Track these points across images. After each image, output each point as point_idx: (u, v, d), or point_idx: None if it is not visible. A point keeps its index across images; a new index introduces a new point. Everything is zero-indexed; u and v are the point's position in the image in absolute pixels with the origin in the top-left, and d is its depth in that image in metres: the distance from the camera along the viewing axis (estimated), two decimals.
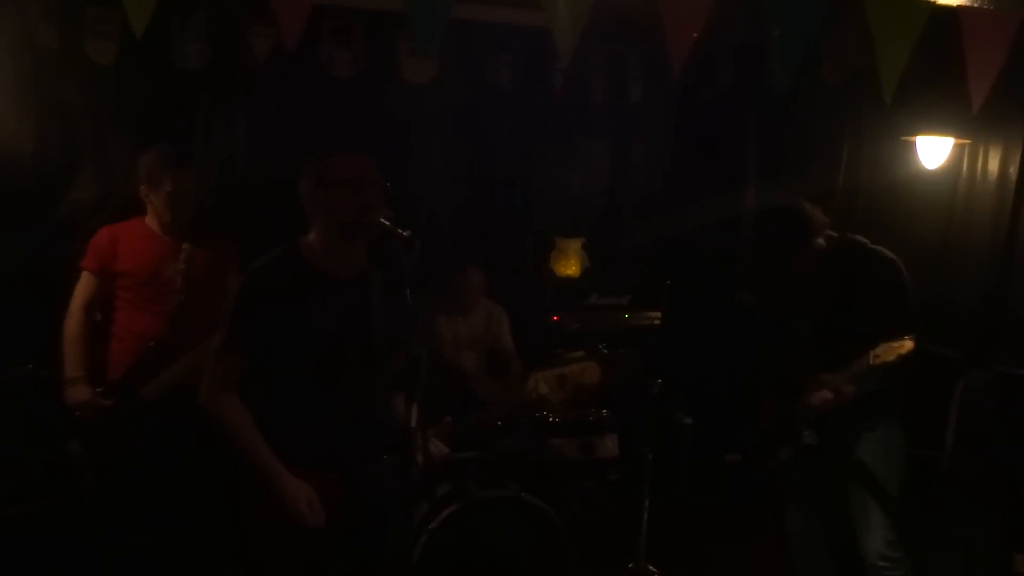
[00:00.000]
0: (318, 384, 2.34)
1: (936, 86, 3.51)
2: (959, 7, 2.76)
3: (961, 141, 3.95)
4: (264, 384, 2.34)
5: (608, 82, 4.72)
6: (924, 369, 2.69)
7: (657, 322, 4.46)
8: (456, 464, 3.34)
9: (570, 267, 4.58)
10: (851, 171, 4.35)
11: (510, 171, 4.67)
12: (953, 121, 3.78)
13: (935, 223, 4.12)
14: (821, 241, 2.92)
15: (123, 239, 3.20)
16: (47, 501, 3.28)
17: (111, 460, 3.10)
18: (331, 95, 4.15)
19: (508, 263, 4.36)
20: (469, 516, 3.11)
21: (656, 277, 4.56)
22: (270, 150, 3.95)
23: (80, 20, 3.72)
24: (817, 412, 2.90)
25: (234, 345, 2.30)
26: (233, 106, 4.05)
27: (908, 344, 2.63)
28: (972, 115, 2.92)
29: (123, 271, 3.18)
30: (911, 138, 3.97)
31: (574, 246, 4.61)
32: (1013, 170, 3.90)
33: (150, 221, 3.24)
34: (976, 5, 2.80)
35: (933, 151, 3.95)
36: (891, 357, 2.64)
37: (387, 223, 2.23)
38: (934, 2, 2.62)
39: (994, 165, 3.99)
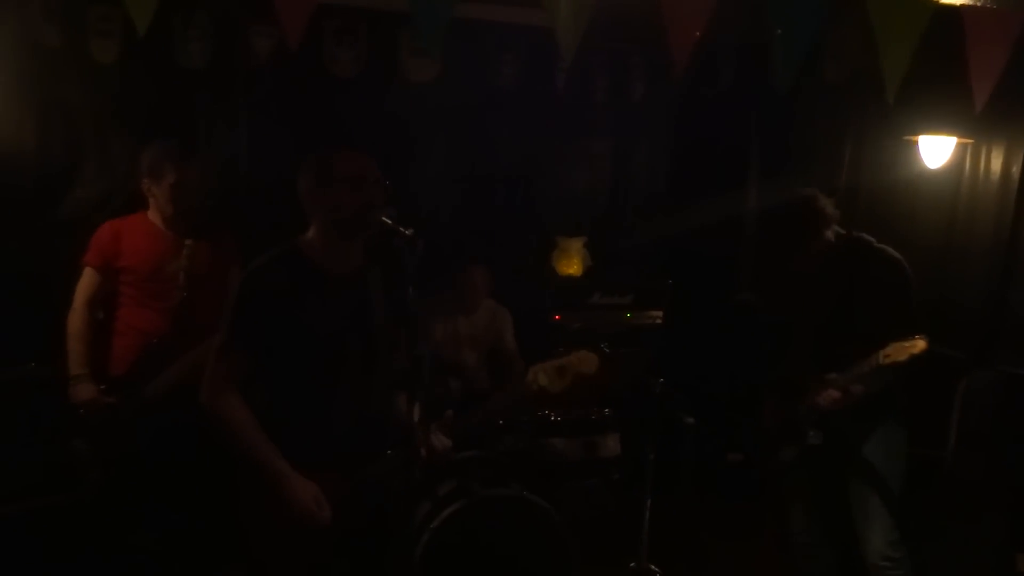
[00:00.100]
0: (318, 382, 2.34)
1: (939, 85, 3.51)
2: (962, 6, 2.76)
3: (964, 141, 3.94)
4: (265, 383, 2.34)
5: (610, 81, 4.72)
6: (926, 369, 2.68)
7: (659, 321, 4.46)
8: (458, 463, 3.34)
9: (572, 266, 4.59)
10: (853, 171, 4.35)
11: (512, 170, 4.67)
12: (956, 121, 3.78)
13: (937, 223, 4.12)
14: (830, 235, 2.91)
15: (126, 234, 3.21)
16: (51, 499, 3.29)
17: (115, 457, 3.11)
18: (333, 94, 4.15)
19: (510, 262, 4.36)
20: (471, 515, 3.12)
21: (658, 276, 4.56)
22: (272, 149, 3.96)
23: (82, 19, 3.72)
24: (823, 412, 2.89)
25: (235, 344, 2.30)
26: (235, 105, 4.06)
27: (920, 344, 2.61)
28: (975, 115, 2.91)
29: (126, 267, 3.18)
30: (914, 138, 3.97)
31: (576, 245, 4.61)
32: (1016, 170, 3.90)
33: (152, 216, 3.25)
34: (979, 4, 2.79)
35: (936, 151, 3.95)
36: (902, 357, 2.62)
37: (389, 222, 2.23)
38: (937, 1, 2.62)
39: (997, 165, 3.99)
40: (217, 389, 2.29)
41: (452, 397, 3.67)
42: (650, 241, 4.83)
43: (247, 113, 4.08)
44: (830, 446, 2.95)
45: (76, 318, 3.17)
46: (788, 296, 3.12)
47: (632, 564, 3.60)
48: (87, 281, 3.20)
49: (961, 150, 4.00)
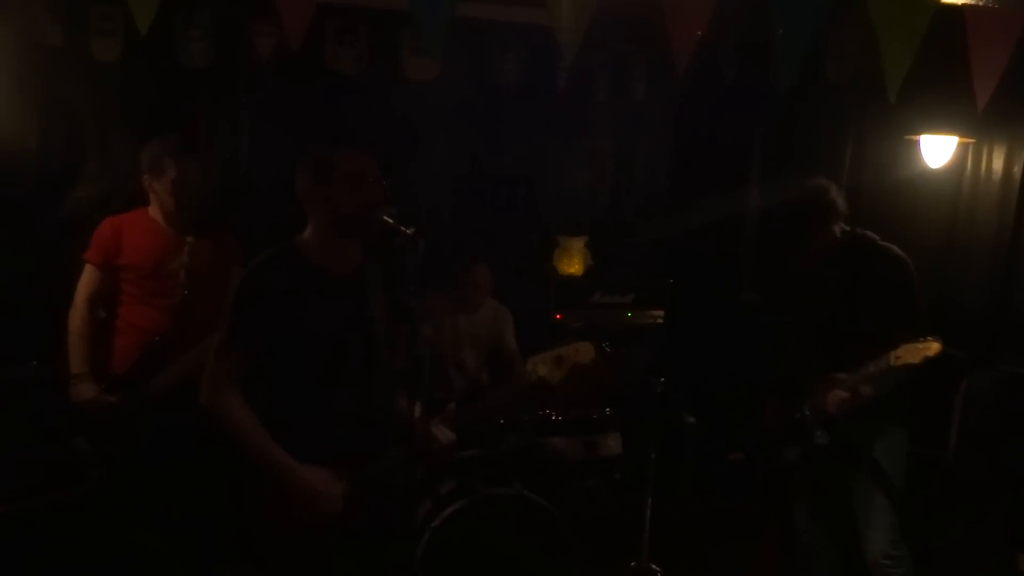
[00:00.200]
0: (318, 382, 2.33)
1: (940, 85, 3.51)
2: (964, 5, 2.76)
3: (965, 140, 3.94)
4: (264, 382, 2.34)
5: (611, 81, 4.72)
6: (928, 368, 2.67)
7: (660, 321, 4.46)
8: (459, 462, 3.34)
9: (573, 265, 4.59)
10: (855, 170, 4.34)
11: (513, 169, 4.67)
12: (957, 120, 3.78)
13: (939, 222, 4.12)
14: (837, 230, 2.89)
15: (127, 231, 3.20)
16: (53, 498, 3.29)
17: (116, 456, 3.11)
18: (334, 94, 4.16)
19: (511, 261, 4.37)
20: (472, 514, 3.12)
21: (659, 276, 4.56)
22: (273, 148, 3.96)
23: (84, 18, 3.73)
24: (830, 413, 2.87)
25: (234, 343, 2.30)
26: (236, 104, 4.06)
27: (935, 346, 2.58)
28: (976, 114, 2.91)
29: (127, 264, 3.18)
30: (915, 137, 3.97)
31: (577, 244, 4.61)
32: (1017, 169, 3.90)
33: (153, 212, 3.24)
34: (981, 4, 2.79)
35: (937, 150, 3.94)
36: (916, 359, 2.60)
37: (391, 221, 2.23)
38: (938, 1, 2.61)
39: (998, 164, 3.99)
40: (216, 389, 2.29)
41: (455, 393, 3.67)
42: (651, 240, 4.84)
43: (248, 112, 4.08)
44: (835, 446, 2.94)
45: (76, 316, 3.17)
46: (790, 295, 3.11)
47: (633, 563, 3.60)
48: (88, 278, 3.20)
49: (963, 150, 4.00)
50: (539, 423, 3.82)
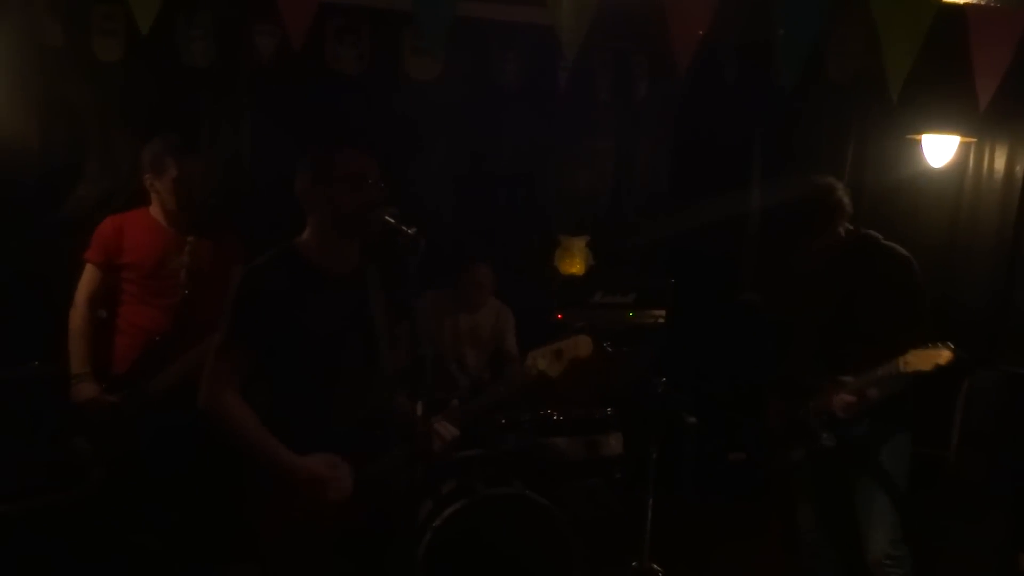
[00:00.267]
0: (318, 382, 2.33)
1: (942, 84, 3.50)
2: (966, 5, 2.75)
3: (967, 139, 3.94)
4: (264, 382, 2.34)
5: (613, 80, 4.72)
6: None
7: (661, 320, 4.46)
8: (461, 462, 3.34)
9: (574, 265, 4.59)
10: (857, 169, 4.34)
11: (514, 169, 4.67)
12: (959, 119, 3.78)
13: (941, 222, 4.11)
14: (841, 230, 2.88)
15: (128, 230, 3.19)
16: (53, 497, 3.29)
17: (117, 456, 3.11)
18: (336, 93, 4.16)
19: (512, 261, 4.36)
20: (473, 513, 3.12)
21: (660, 275, 4.56)
22: (275, 147, 3.96)
23: (86, 18, 3.73)
24: (835, 415, 2.86)
25: (234, 344, 2.30)
26: (238, 104, 4.06)
27: (946, 354, 2.57)
28: (978, 113, 2.91)
29: (128, 263, 3.17)
30: (917, 136, 3.97)
31: (578, 244, 4.61)
32: (1019, 169, 3.90)
33: (154, 211, 3.23)
34: (983, 3, 2.79)
35: (939, 149, 3.94)
36: (927, 367, 2.59)
37: (392, 220, 2.23)
38: (940, 0, 2.61)
39: (1000, 164, 3.99)
40: (216, 390, 2.28)
41: (456, 392, 3.67)
42: (652, 240, 4.83)
43: (250, 112, 4.08)
44: (839, 448, 2.93)
45: (77, 316, 3.17)
46: (792, 294, 3.10)
47: (634, 563, 3.60)
48: (88, 278, 3.20)
49: (964, 149, 4.00)
50: (540, 423, 3.82)
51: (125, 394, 3.12)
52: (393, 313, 2.43)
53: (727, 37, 4.41)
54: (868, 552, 2.95)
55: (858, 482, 2.98)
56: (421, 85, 4.24)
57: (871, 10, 2.60)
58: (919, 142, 3.98)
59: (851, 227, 2.92)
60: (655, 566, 3.59)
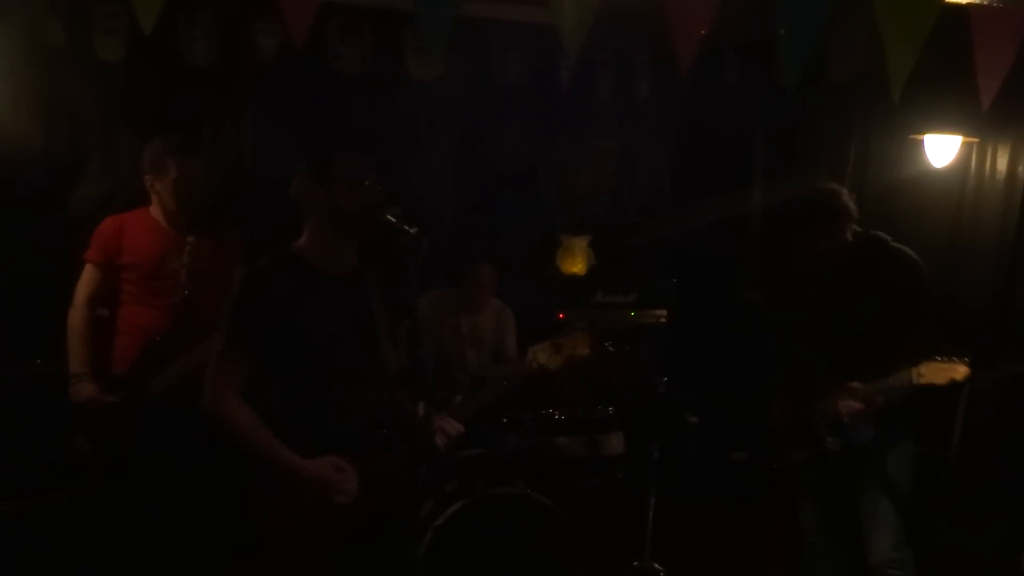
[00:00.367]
0: (319, 383, 2.33)
1: (945, 84, 3.50)
2: (968, 4, 2.75)
3: (969, 139, 3.93)
4: (266, 384, 2.33)
5: (615, 80, 4.72)
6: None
7: (663, 320, 4.46)
8: (462, 461, 3.34)
9: (576, 265, 4.59)
10: (859, 169, 4.33)
11: (516, 169, 4.67)
12: (961, 119, 3.77)
13: (943, 222, 4.11)
14: (848, 233, 2.88)
15: (128, 230, 3.19)
16: (53, 497, 3.29)
17: (117, 456, 3.11)
18: (338, 92, 4.16)
19: (514, 260, 4.37)
20: (475, 513, 3.12)
21: (662, 275, 4.56)
22: (276, 147, 3.96)
23: (87, 17, 3.73)
24: (841, 420, 2.86)
25: (236, 347, 2.29)
26: (239, 103, 4.06)
27: (963, 370, 2.58)
28: (981, 113, 2.89)
29: (128, 263, 3.17)
30: (919, 136, 3.96)
31: (580, 244, 4.62)
32: (1022, 169, 3.89)
33: (154, 212, 3.23)
34: (985, 3, 2.78)
35: (941, 149, 3.93)
36: (941, 381, 2.59)
37: (394, 220, 2.23)
38: None
39: (1002, 164, 3.98)
40: (219, 392, 2.28)
41: (458, 391, 3.66)
42: (654, 240, 4.83)
43: (251, 111, 4.08)
44: (843, 451, 2.93)
45: (76, 316, 3.17)
46: (796, 295, 3.10)
47: (636, 563, 3.60)
48: (87, 278, 3.19)
49: (967, 149, 3.99)
50: (542, 422, 3.82)
51: (125, 394, 3.12)
52: (394, 313, 2.43)
53: (729, 37, 4.41)
54: (871, 555, 2.94)
55: (862, 486, 2.97)
56: (423, 85, 4.25)
57: (873, 10, 2.59)
58: (921, 142, 3.97)
59: (859, 229, 2.92)
60: (656, 566, 3.59)
